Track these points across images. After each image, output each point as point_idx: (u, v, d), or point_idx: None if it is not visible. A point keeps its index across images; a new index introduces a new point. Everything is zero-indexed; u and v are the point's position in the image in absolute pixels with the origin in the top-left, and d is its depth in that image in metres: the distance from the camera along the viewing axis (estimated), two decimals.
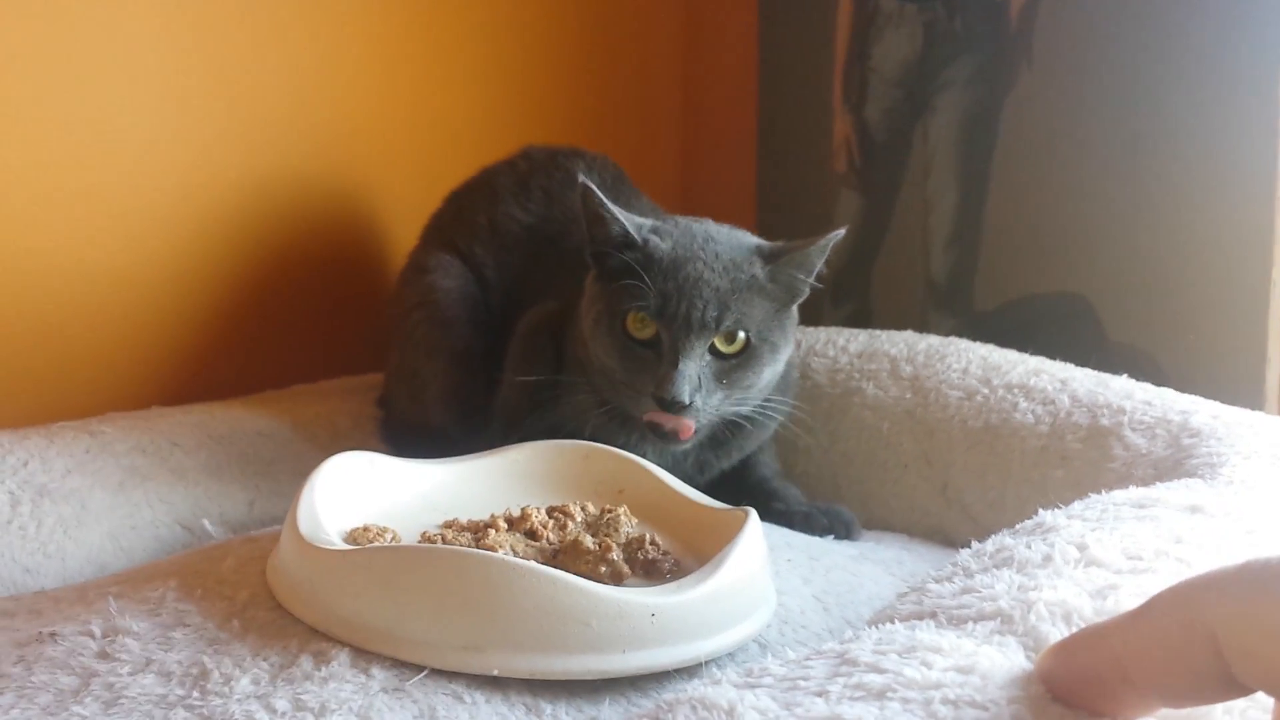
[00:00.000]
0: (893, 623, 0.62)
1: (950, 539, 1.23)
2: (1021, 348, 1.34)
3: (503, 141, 1.46)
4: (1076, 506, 0.81)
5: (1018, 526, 0.82)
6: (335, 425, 1.40)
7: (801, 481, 1.32)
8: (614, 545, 0.83)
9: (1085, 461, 1.13)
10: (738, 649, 0.77)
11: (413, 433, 1.36)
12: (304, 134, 1.51)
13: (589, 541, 0.83)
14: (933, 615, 0.62)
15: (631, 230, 1.05)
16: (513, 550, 0.81)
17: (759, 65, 1.88)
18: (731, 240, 1.09)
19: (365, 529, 0.84)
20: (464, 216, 1.34)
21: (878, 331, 1.44)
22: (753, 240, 1.11)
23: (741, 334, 1.03)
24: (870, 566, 1.01)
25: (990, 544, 0.75)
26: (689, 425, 1.04)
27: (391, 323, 1.36)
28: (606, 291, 1.06)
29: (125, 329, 1.42)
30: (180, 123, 1.40)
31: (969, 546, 1.13)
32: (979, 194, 1.59)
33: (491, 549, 0.81)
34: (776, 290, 1.06)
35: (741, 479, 1.19)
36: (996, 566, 0.69)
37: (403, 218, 1.58)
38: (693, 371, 1.00)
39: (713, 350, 1.03)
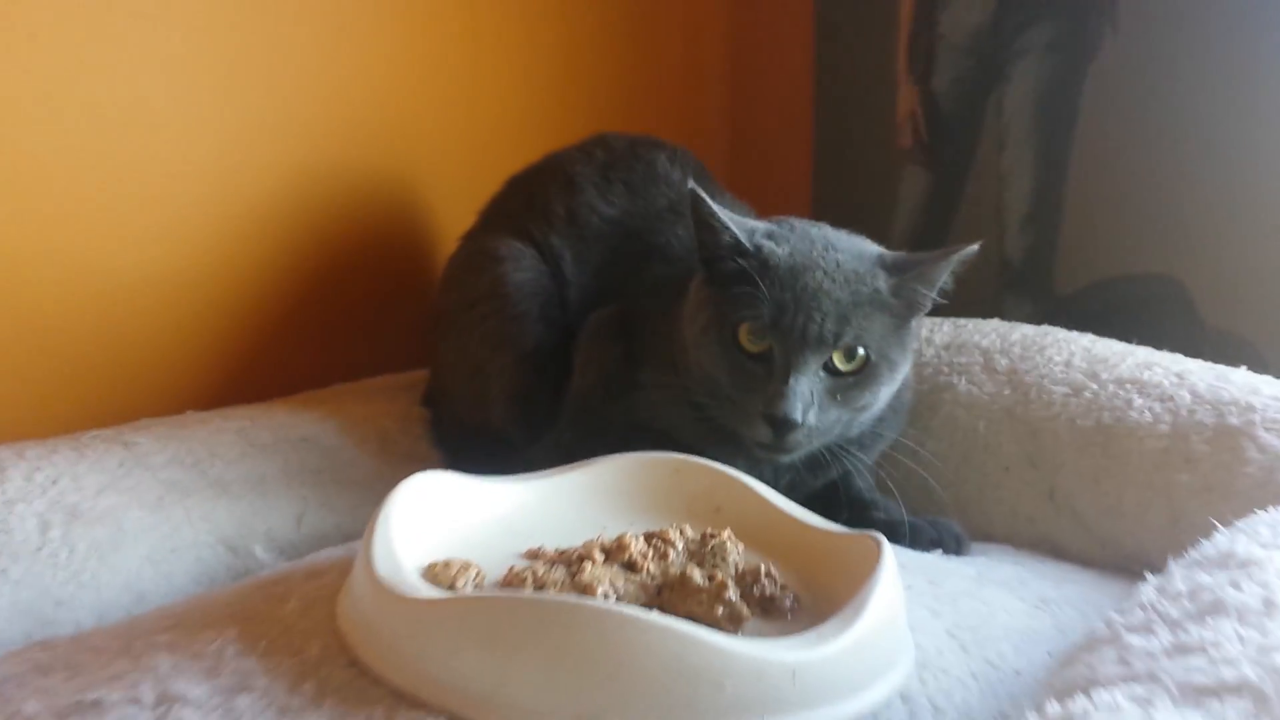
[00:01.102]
0: (1103, 691, 0.52)
1: (1060, 548, 1.13)
2: (1106, 334, 1.27)
3: (547, 127, 1.41)
4: (1263, 530, 0.70)
5: (1196, 554, 0.71)
6: (383, 429, 1.31)
7: (892, 483, 1.20)
8: (728, 581, 0.72)
9: (1215, 465, 1.03)
10: (882, 707, 0.67)
11: (469, 435, 1.28)
12: (341, 123, 1.46)
13: (698, 576, 0.73)
14: (1152, 679, 0.52)
15: (743, 239, 0.99)
16: (613, 587, 0.71)
17: (814, 34, 1.83)
18: (853, 248, 1.02)
19: (446, 564, 0.74)
20: (538, 204, 1.26)
21: (963, 320, 1.34)
22: (874, 249, 1.04)
23: (861, 351, 0.97)
24: (995, 590, 0.91)
25: (1179, 579, 0.65)
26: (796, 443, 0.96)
27: (447, 313, 1.29)
28: (717, 299, 1.00)
29: (156, 328, 1.34)
30: (213, 114, 1.35)
31: (1082, 557, 1.09)
32: (1059, 169, 1.51)
33: (590, 587, 0.71)
34: (898, 304, 1.00)
35: (833, 491, 1.11)
36: (1206, 614, 0.58)
37: (445, 207, 1.51)
38: (805, 388, 0.95)
39: (828, 367, 0.97)
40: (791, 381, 0.94)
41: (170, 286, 1.34)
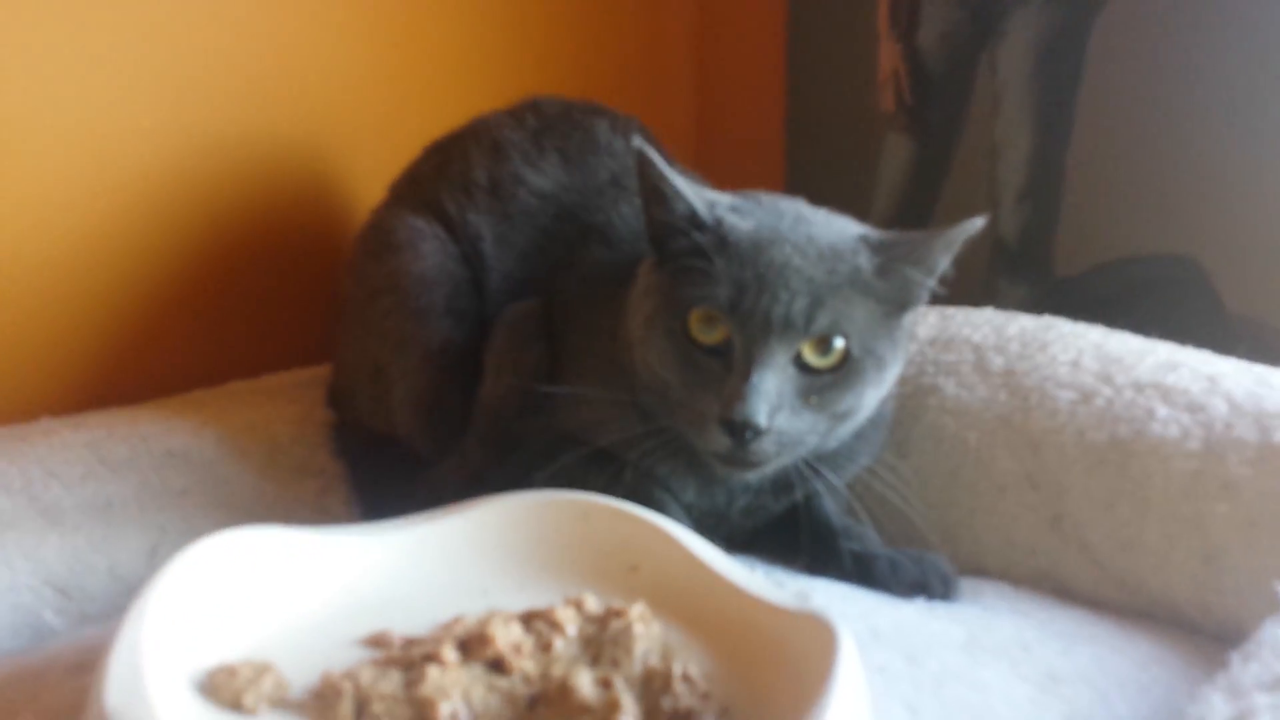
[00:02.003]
0: None
1: (1066, 586, 0.98)
2: (1115, 324, 1.16)
3: (487, 93, 1.26)
4: None
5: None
6: (273, 436, 1.15)
7: (862, 504, 1.06)
8: (621, 700, 0.53)
9: (1260, 492, 0.88)
10: None
11: (375, 443, 1.15)
12: (240, 81, 1.33)
13: (586, 686, 0.55)
14: None
15: (700, 209, 0.88)
16: (466, 702, 0.52)
17: None
18: (830, 225, 0.91)
19: (232, 671, 0.55)
20: (455, 172, 1.15)
21: (950, 310, 1.20)
22: (857, 228, 0.93)
23: (839, 341, 0.85)
24: (990, 666, 0.74)
25: (1259, 670, 0.47)
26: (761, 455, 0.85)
27: (348, 302, 1.17)
28: (664, 281, 0.89)
29: (7, 319, 1.18)
30: (83, 71, 1.21)
31: (1094, 597, 0.96)
32: (1060, 136, 1.44)
33: (430, 704, 0.52)
34: (886, 290, 0.88)
35: (797, 514, 0.98)
36: None
37: (363, 178, 1.39)
38: (771, 386, 0.83)
39: (800, 362, 0.85)
40: (754, 378, 0.82)
41: (28, 269, 1.19)
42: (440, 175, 1.15)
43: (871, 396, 0.90)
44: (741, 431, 0.82)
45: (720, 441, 0.84)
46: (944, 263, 0.89)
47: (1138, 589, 0.94)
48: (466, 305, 1.09)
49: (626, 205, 1.08)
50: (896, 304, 0.89)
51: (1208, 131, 1.30)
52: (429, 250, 1.10)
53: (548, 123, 1.15)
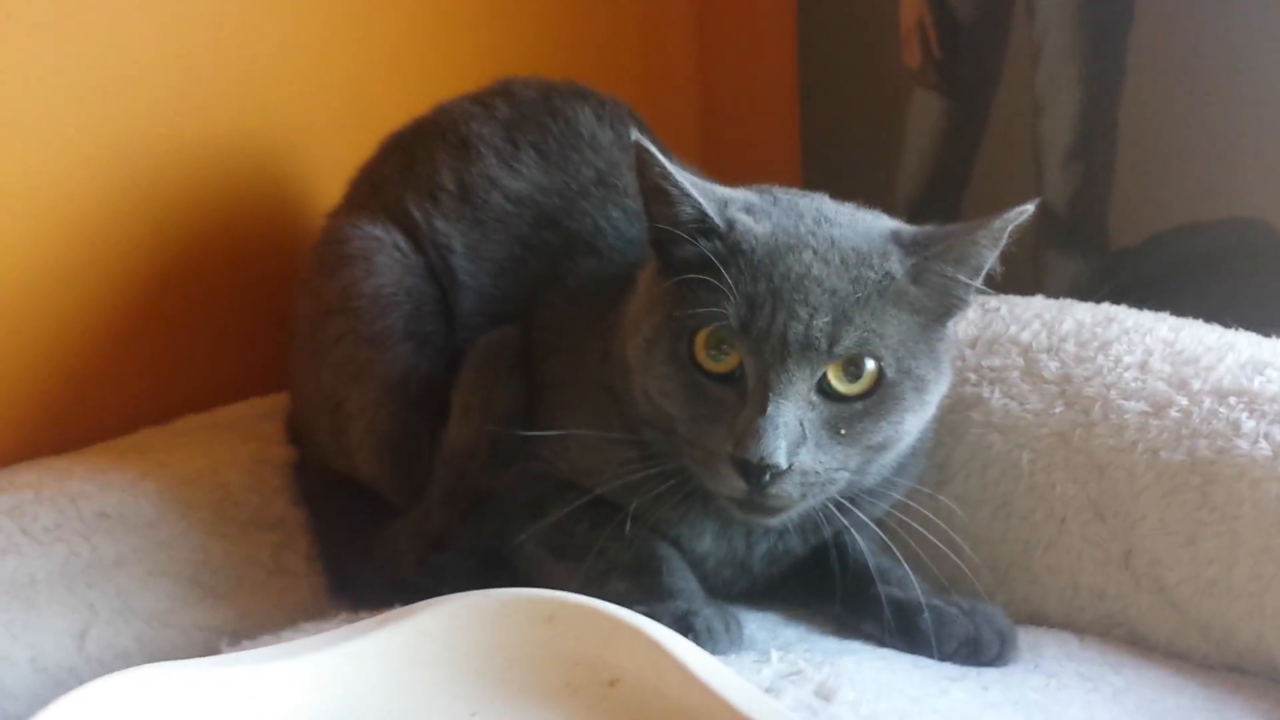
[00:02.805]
0: None
1: (1140, 635, 0.90)
2: (1179, 299, 1.10)
3: (461, 75, 1.19)
4: None
5: None
6: (223, 484, 1.06)
7: (895, 539, 0.97)
8: None
9: None
10: None
11: (339, 486, 1.06)
12: (184, 76, 1.25)
13: None
14: None
15: (710, 211, 0.81)
16: None
17: None
18: (856, 223, 0.84)
19: None
20: (420, 173, 1.08)
21: (991, 301, 1.10)
22: (887, 224, 0.87)
23: (870, 363, 0.79)
24: None
25: None
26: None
27: (299, 323, 1.10)
28: (666, 297, 0.83)
29: None
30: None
31: (1174, 648, 0.86)
32: (1110, 87, 1.34)
33: None
34: (923, 297, 0.82)
35: (827, 554, 0.91)
36: None
37: (326, 180, 1.28)
38: (791, 417, 0.77)
39: (825, 389, 0.79)
40: (770, 410, 0.76)
41: None
42: (402, 178, 1.08)
43: (913, 423, 0.83)
44: (759, 473, 0.76)
45: (734, 485, 0.78)
46: (990, 258, 0.81)
47: (1225, 639, 0.86)
48: (432, 328, 1.02)
49: (616, 208, 1.01)
50: (936, 313, 0.83)
51: (1279, 75, 1.20)
52: (386, 264, 1.02)
53: (522, 112, 1.08)
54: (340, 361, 1.01)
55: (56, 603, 0.91)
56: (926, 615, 0.83)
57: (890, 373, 0.79)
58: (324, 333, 1.03)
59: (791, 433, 0.76)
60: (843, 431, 0.79)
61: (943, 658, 0.81)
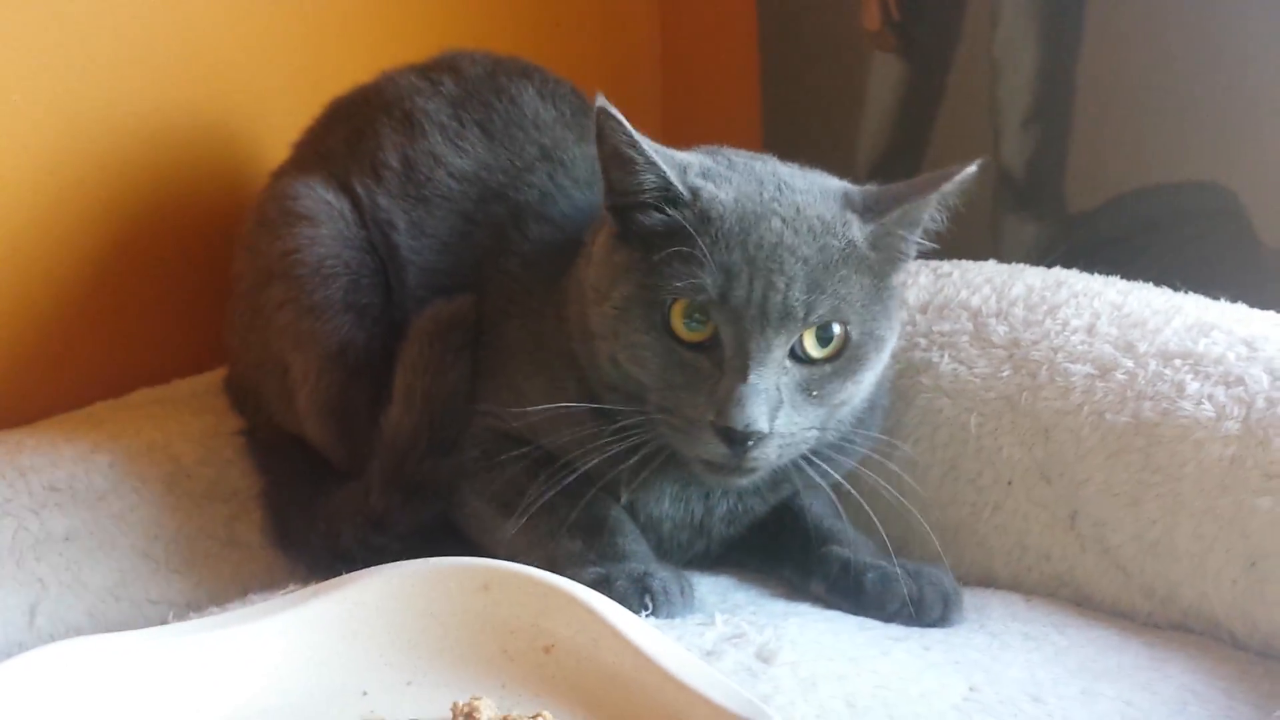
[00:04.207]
0: None
1: (1085, 595, 0.90)
2: (1136, 262, 1.11)
3: (411, 45, 1.17)
4: None
5: None
6: (175, 457, 1.05)
7: (847, 502, 0.99)
8: None
9: None
10: None
11: (290, 453, 1.06)
12: (127, 52, 1.21)
13: None
14: None
15: (674, 179, 0.82)
16: None
17: None
18: (812, 188, 0.85)
19: None
20: (365, 148, 1.07)
21: (944, 266, 1.10)
22: (836, 184, 0.88)
23: (837, 328, 0.81)
24: None
25: None
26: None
27: (239, 282, 1.10)
28: (636, 265, 0.83)
29: None
30: None
31: (1119, 608, 0.86)
32: (1068, 48, 1.33)
33: None
34: (878, 260, 0.84)
35: (780, 517, 0.93)
36: None
37: (277, 149, 1.24)
38: (771, 384, 0.79)
39: (796, 353, 0.81)
40: (752, 378, 0.78)
41: None
42: (348, 150, 1.07)
43: (871, 378, 0.86)
44: (743, 440, 0.78)
45: (715, 450, 0.80)
46: (936, 215, 0.85)
47: (1168, 598, 0.86)
48: (370, 299, 1.02)
49: (565, 178, 1.01)
50: (886, 271, 0.85)
51: (1241, 38, 1.20)
52: (329, 234, 1.02)
53: (468, 89, 1.07)
54: (284, 327, 1.01)
55: (6, 578, 0.90)
56: (871, 576, 0.84)
57: (855, 335, 0.81)
58: (266, 296, 1.03)
59: (772, 399, 0.78)
60: (814, 393, 0.81)
61: (886, 618, 0.82)
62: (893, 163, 1.48)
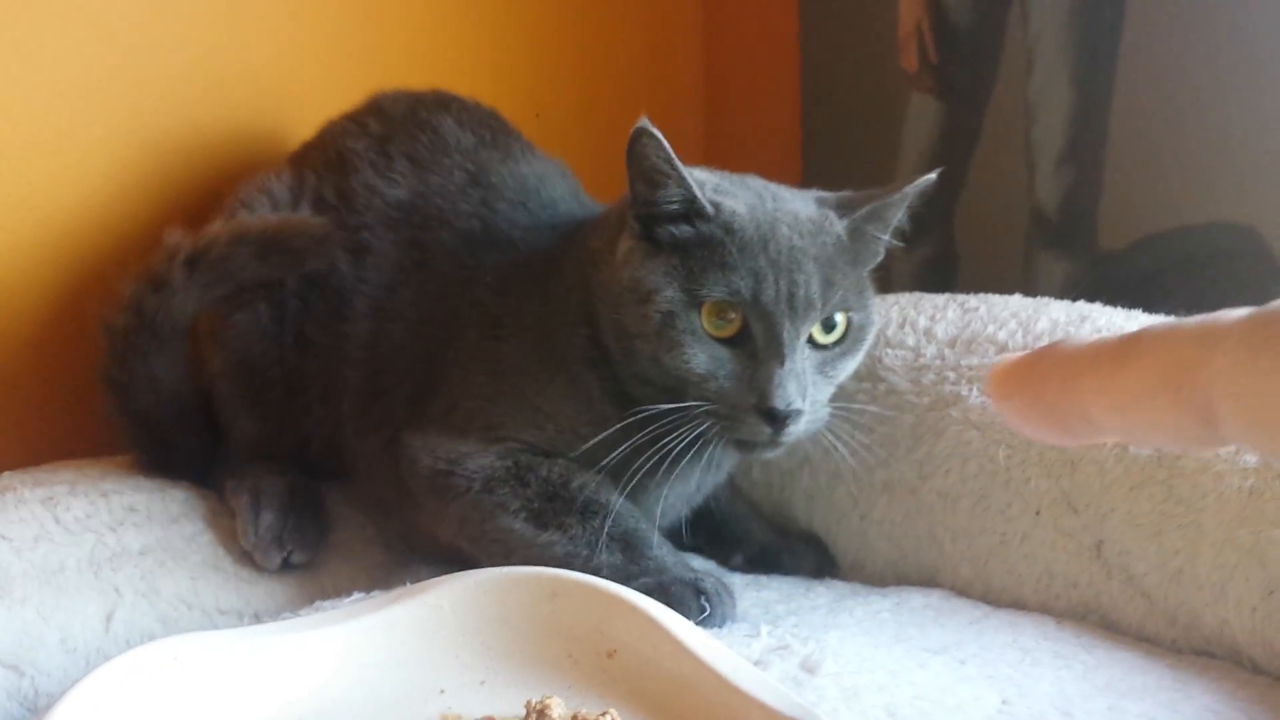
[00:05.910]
0: None
1: (1112, 621, 0.91)
2: (1165, 301, 1.06)
3: (463, 74, 1.23)
4: None
5: None
6: None
7: (881, 531, 1.04)
8: None
9: None
10: None
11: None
12: (203, 88, 1.24)
13: None
14: None
15: (698, 194, 0.89)
16: None
17: None
18: (794, 195, 0.96)
19: None
20: (304, 189, 1.12)
21: (972, 300, 1.12)
22: (810, 192, 0.98)
23: (841, 315, 0.92)
24: None
25: None
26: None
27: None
28: (675, 273, 0.90)
29: None
30: None
31: (1144, 634, 0.87)
32: (1101, 91, 1.34)
33: None
34: (857, 252, 0.95)
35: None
36: None
37: None
38: (801, 367, 0.89)
39: (810, 341, 0.91)
40: (788, 364, 0.87)
41: None
42: (291, 195, 1.12)
43: (861, 356, 0.97)
44: (784, 418, 0.87)
45: (759, 431, 0.88)
46: (901, 218, 0.95)
47: (1191, 625, 0.86)
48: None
49: (499, 201, 1.06)
50: (865, 263, 0.95)
51: (1269, 82, 1.20)
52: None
53: (393, 126, 1.12)
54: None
55: (85, 587, 0.92)
56: (785, 557, 1.04)
57: (855, 319, 0.92)
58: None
59: (803, 380, 0.88)
60: (828, 373, 0.91)
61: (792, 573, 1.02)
62: (929, 199, 1.49)
